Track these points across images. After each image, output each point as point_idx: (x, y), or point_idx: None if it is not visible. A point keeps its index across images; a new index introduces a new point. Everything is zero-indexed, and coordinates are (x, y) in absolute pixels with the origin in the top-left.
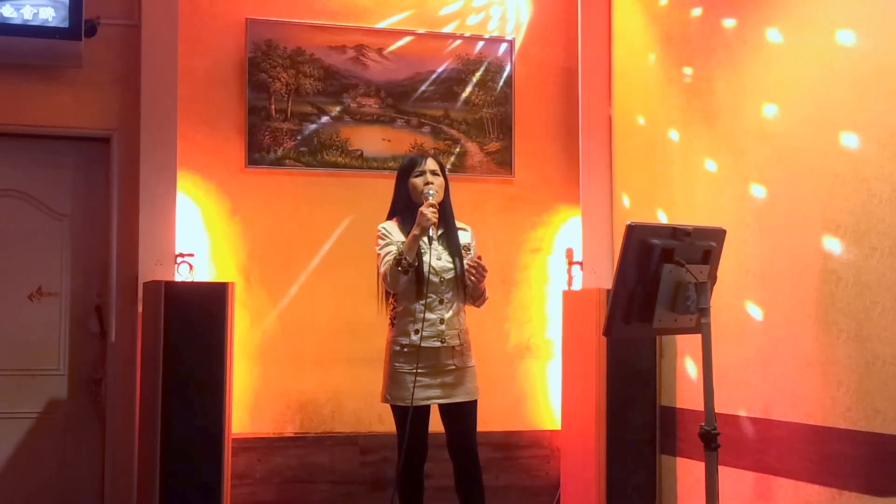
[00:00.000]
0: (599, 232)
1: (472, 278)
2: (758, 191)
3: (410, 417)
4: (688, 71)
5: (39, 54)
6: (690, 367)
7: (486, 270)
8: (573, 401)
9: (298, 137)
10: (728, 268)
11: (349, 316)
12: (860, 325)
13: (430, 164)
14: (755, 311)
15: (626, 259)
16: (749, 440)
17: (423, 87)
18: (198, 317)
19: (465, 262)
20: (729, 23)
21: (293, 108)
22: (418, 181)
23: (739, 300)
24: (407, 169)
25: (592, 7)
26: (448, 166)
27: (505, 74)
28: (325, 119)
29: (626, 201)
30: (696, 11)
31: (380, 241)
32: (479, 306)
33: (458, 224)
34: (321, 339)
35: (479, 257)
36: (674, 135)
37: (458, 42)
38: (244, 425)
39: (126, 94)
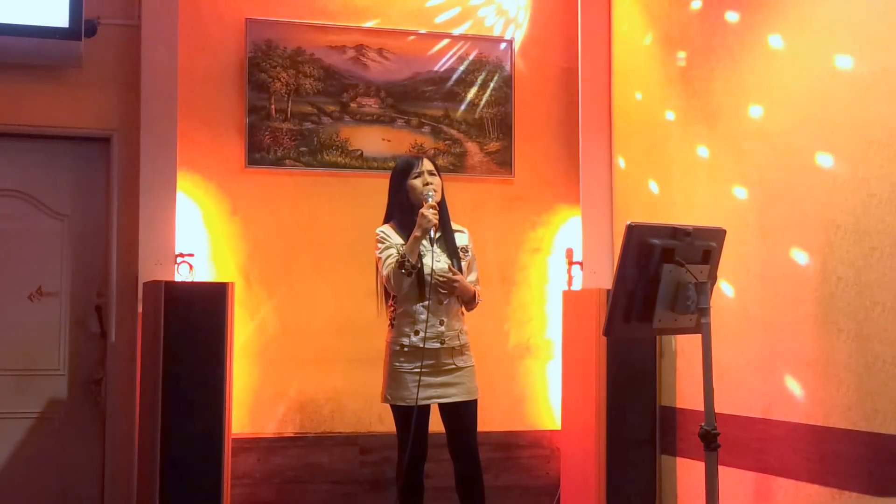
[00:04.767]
0: (599, 232)
1: (443, 291)
2: (758, 191)
3: (413, 417)
4: (688, 71)
5: (39, 54)
6: (690, 367)
7: (456, 282)
8: (573, 401)
9: (298, 137)
10: (728, 268)
11: (349, 316)
12: (860, 325)
13: (427, 164)
14: (755, 311)
15: (626, 259)
16: (749, 440)
17: (423, 88)
18: (198, 317)
19: (449, 268)
20: (729, 23)
21: (293, 108)
22: (417, 182)
23: (739, 300)
24: (403, 171)
25: (592, 7)
26: (448, 166)
27: (505, 74)
28: (325, 119)
29: (625, 201)
30: (696, 12)
31: (379, 245)
32: (470, 310)
33: (455, 226)
34: (321, 339)
35: (453, 272)
36: (674, 134)
37: (459, 42)
38: (244, 425)
39: (126, 94)
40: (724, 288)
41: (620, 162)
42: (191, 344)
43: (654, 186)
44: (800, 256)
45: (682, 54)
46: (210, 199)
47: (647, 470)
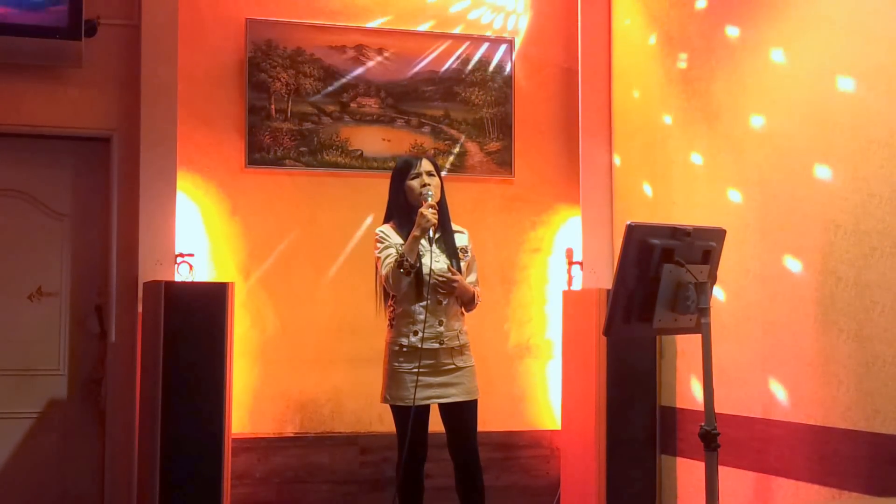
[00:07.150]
0: (599, 232)
1: (442, 291)
2: (757, 191)
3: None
4: (688, 71)
5: (39, 54)
6: (690, 367)
7: (455, 283)
8: (573, 401)
9: (298, 137)
10: (728, 268)
11: (349, 316)
12: (860, 325)
13: (426, 165)
14: (755, 312)
15: (626, 259)
16: (749, 440)
17: (423, 88)
18: (198, 317)
19: (448, 269)
20: (729, 23)
21: (293, 108)
22: (415, 183)
23: (739, 300)
24: (402, 171)
25: (592, 7)
26: (448, 166)
27: (505, 74)
28: (325, 119)
29: (625, 201)
30: (697, 12)
31: (378, 245)
32: (469, 311)
33: (456, 227)
34: (321, 339)
35: (453, 272)
36: (674, 135)
37: (459, 42)
38: (244, 425)
39: (126, 94)
40: (725, 288)
41: (620, 162)
42: (191, 344)
43: (654, 187)
44: (800, 257)
45: (682, 55)
46: (210, 199)
47: (647, 470)
